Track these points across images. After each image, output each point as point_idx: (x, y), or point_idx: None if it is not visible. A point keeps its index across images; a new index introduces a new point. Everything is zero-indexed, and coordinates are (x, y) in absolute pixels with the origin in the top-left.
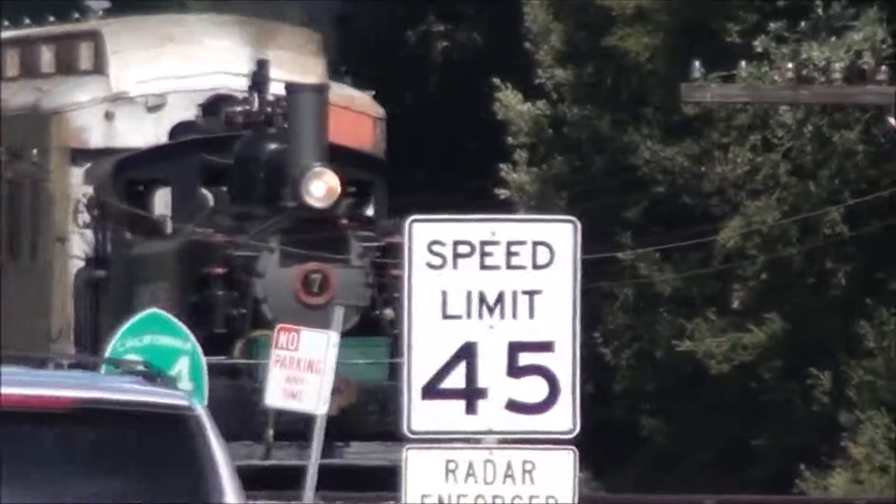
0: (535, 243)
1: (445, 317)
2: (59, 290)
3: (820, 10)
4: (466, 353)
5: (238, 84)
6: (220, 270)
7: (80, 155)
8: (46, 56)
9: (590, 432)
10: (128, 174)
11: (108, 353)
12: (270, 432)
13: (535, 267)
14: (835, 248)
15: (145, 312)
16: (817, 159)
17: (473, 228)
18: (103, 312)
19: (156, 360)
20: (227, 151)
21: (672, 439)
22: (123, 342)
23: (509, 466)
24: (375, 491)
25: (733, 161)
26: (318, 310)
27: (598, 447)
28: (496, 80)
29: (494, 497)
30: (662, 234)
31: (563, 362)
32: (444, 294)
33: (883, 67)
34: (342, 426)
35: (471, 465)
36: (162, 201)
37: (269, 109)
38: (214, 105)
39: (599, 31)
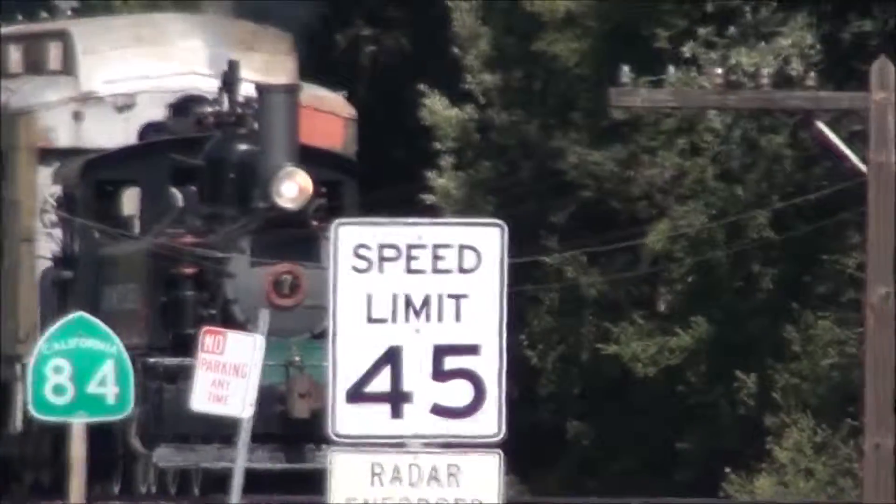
0: (462, 247)
1: (371, 320)
2: (25, 290)
3: (748, 16)
4: (392, 356)
5: (208, 85)
6: (189, 271)
7: (48, 155)
8: (14, 55)
9: (515, 436)
10: (97, 174)
11: (34, 357)
12: None
13: (462, 271)
14: (762, 252)
15: (71, 316)
16: (745, 163)
17: (400, 232)
18: (71, 313)
19: (81, 364)
20: (198, 152)
21: (598, 442)
22: (50, 346)
23: (435, 470)
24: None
25: (661, 165)
26: (289, 311)
27: (523, 451)
28: (423, 86)
29: (420, 500)
30: (589, 237)
31: (489, 366)
32: (370, 297)
33: (811, 73)
34: (313, 429)
35: (396, 469)
36: (131, 202)
37: (239, 110)
38: (184, 105)
39: (528, 35)
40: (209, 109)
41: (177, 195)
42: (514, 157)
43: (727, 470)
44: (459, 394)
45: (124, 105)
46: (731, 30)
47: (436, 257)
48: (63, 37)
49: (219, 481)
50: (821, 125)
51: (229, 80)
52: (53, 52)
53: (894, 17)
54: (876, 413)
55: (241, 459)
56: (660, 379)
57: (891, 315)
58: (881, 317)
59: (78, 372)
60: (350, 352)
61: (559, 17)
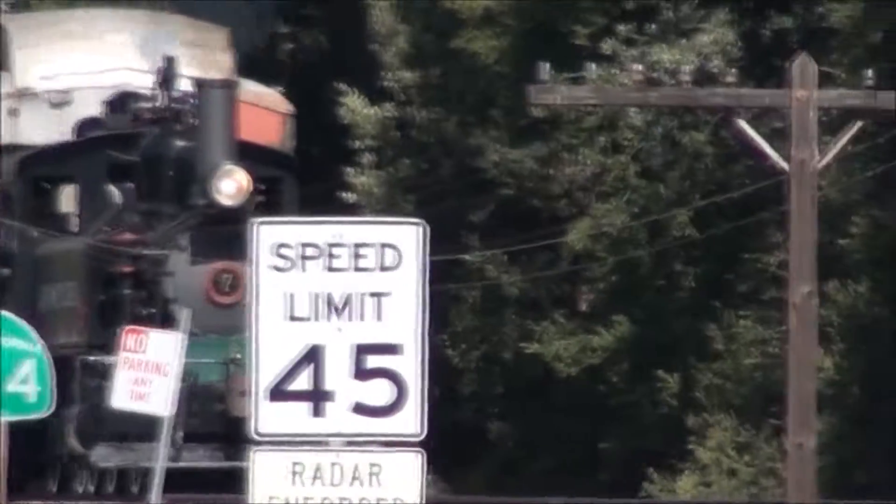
0: (383, 245)
1: (292, 319)
2: None
3: (669, 13)
4: (313, 355)
5: (144, 81)
6: (128, 269)
7: None
8: None
9: (437, 435)
10: (33, 171)
11: None
12: (180, 434)
13: (383, 269)
14: (683, 251)
15: None
16: (666, 161)
17: (320, 231)
18: (8, 311)
19: (2, 363)
20: (135, 148)
21: (520, 442)
22: None
23: (356, 469)
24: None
25: (582, 163)
26: (229, 309)
27: (445, 450)
28: (342, 84)
29: (341, 499)
30: (510, 236)
31: (410, 365)
32: (291, 296)
33: (732, 69)
34: None
35: (318, 468)
36: (68, 199)
37: (176, 106)
38: (121, 101)
39: (446, 33)
40: (146, 105)
41: (114, 192)
42: (433, 155)
43: (649, 470)
44: (381, 393)
45: (60, 101)
46: (651, 27)
47: (356, 256)
48: None
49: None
50: (742, 123)
51: (167, 76)
52: None
53: (814, 15)
54: (798, 413)
55: (161, 458)
56: (582, 378)
57: (813, 314)
58: (803, 316)
59: None
60: (271, 351)
61: (478, 14)
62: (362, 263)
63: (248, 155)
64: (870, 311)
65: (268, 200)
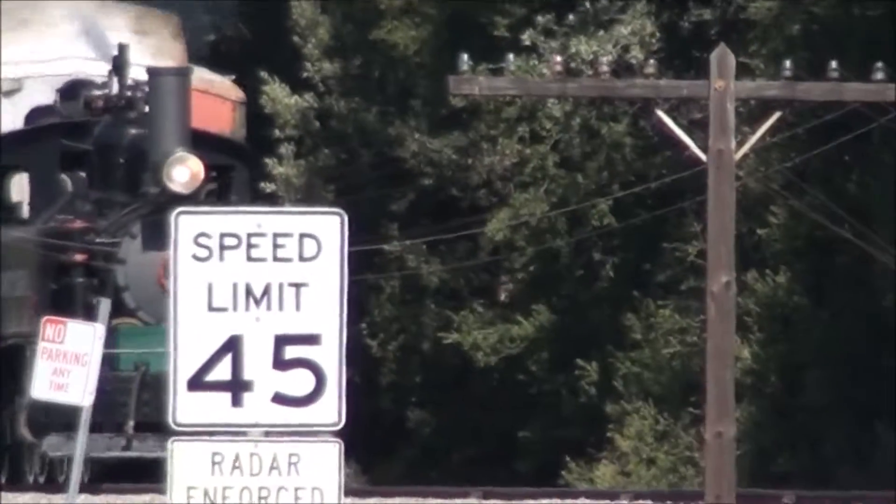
0: (302, 235)
1: (211, 309)
2: None
3: (588, 4)
4: (232, 345)
5: (96, 69)
6: (80, 258)
7: None
8: None
9: (356, 425)
10: None
11: None
12: (131, 423)
13: (302, 259)
14: (602, 241)
15: None
16: (585, 151)
17: (240, 220)
18: None
19: None
20: (87, 137)
21: (439, 432)
22: None
23: (275, 459)
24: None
25: (501, 153)
26: None
27: (364, 440)
28: (263, 73)
29: (260, 489)
30: (429, 226)
31: (330, 355)
32: (210, 286)
33: (651, 61)
34: None
35: (237, 458)
36: (19, 187)
37: (129, 94)
38: (73, 89)
39: (367, 24)
40: (98, 93)
41: (66, 181)
42: (353, 145)
43: (567, 459)
44: (300, 383)
45: (10, 89)
46: (571, 18)
47: (276, 246)
48: None
49: (111, 469)
50: (661, 113)
51: (119, 64)
52: None
53: (732, 6)
54: (717, 402)
55: (80, 447)
56: (501, 368)
57: (731, 304)
58: (721, 306)
59: None
60: (191, 340)
61: (397, 5)
62: (281, 253)
63: (200, 143)
64: (788, 301)
65: (219, 188)
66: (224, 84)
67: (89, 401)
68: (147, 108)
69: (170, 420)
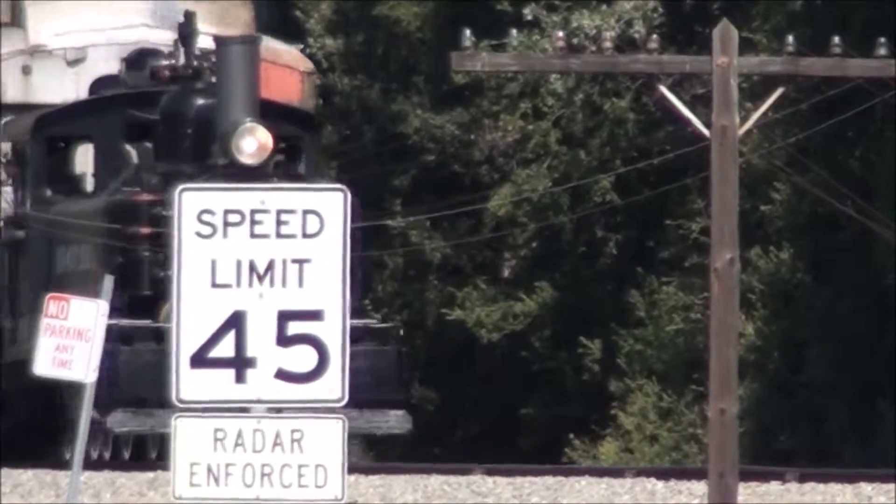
0: (305, 212)
1: (215, 285)
2: None
3: None
4: (236, 321)
5: (161, 37)
6: (146, 231)
7: None
8: None
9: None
10: (48, 130)
11: None
12: None
13: (305, 236)
14: (605, 217)
15: None
16: (588, 127)
17: (243, 197)
18: (23, 275)
19: None
20: (153, 107)
21: (442, 408)
22: None
23: (278, 435)
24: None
25: (504, 129)
26: None
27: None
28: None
29: (263, 465)
30: (432, 202)
31: (333, 331)
32: (214, 263)
33: (654, 36)
34: None
35: (240, 434)
36: (84, 158)
37: (196, 63)
38: (138, 59)
39: (369, 0)
40: (164, 63)
41: (131, 152)
42: (356, 121)
43: (571, 436)
44: (303, 359)
45: (75, 59)
46: None
47: (279, 222)
48: None
49: None
50: (663, 89)
51: (185, 32)
52: (1, 6)
53: None
54: (720, 379)
55: (84, 423)
56: (504, 345)
57: (735, 281)
58: (725, 282)
59: None
60: (194, 317)
61: None
62: (285, 230)
63: (268, 113)
64: (791, 278)
65: (287, 159)
66: (292, 53)
67: (92, 377)
68: (215, 78)
69: (172, 397)
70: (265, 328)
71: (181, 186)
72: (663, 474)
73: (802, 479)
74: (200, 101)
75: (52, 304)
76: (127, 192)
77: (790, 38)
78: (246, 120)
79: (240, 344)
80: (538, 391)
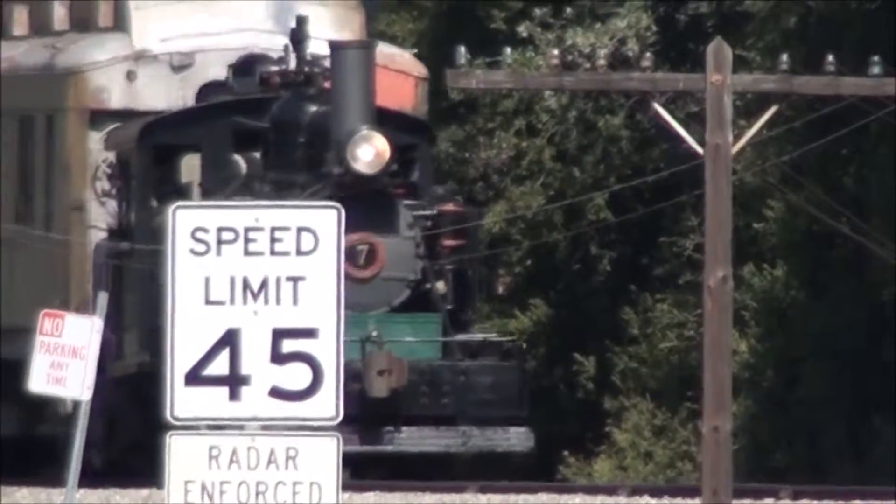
0: (300, 229)
1: (208, 303)
2: (76, 261)
3: None
4: (230, 339)
5: (271, 42)
6: None
7: (99, 117)
8: (60, 12)
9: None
10: (154, 139)
11: None
12: None
13: (299, 253)
14: (599, 234)
15: None
16: (582, 145)
17: (237, 215)
18: (127, 287)
19: None
20: (262, 114)
21: None
22: None
23: (272, 453)
24: (425, 480)
25: (498, 146)
26: (366, 283)
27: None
28: None
29: (258, 483)
30: None
31: (327, 349)
32: (208, 280)
33: (648, 54)
34: (392, 409)
35: (234, 452)
36: (191, 168)
37: (308, 69)
38: (247, 64)
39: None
40: (274, 68)
41: (240, 161)
42: None
43: (565, 453)
44: (297, 377)
45: (181, 64)
46: (568, 11)
47: (273, 240)
48: None
49: None
50: (657, 106)
51: (297, 37)
52: (104, 8)
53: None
54: (714, 396)
55: (78, 443)
56: None
57: (728, 298)
58: (719, 300)
59: None
60: (188, 335)
61: None
62: (279, 247)
63: (384, 120)
64: (785, 295)
65: (402, 169)
66: (405, 58)
67: (88, 395)
68: (328, 84)
69: (167, 414)
70: (259, 346)
71: (175, 205)
72: (657, 492)
73: (796, 496)
74: (313, 108)
75: (47, 321)
76: (237, 202)
77: (784, 57)
78: (362, 127)
79: (234, 361)
80: (532, 408)
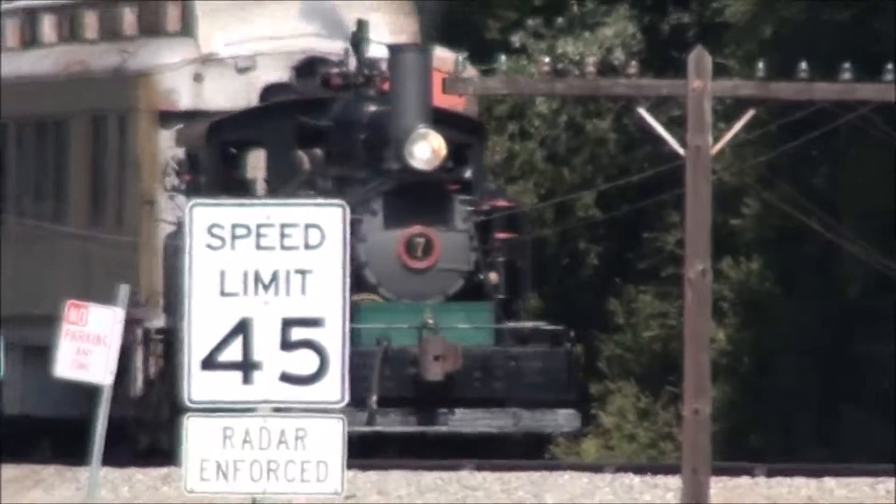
0: (307, 226)
1: (223, 294)
2: (146, 254)
3: (574, 8)
4: (243, 327)
5: (329, 46)
6: None
7: (168, 117)
8: (129, 17)
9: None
10: (221, 136)
11: None
12: (374, 399)
13: (307, 248)
14: (588, 230)
15: None
16: (571, 147)
17: (250, 212)
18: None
19: None
20: (323, 114)
21: None
22: None
23: (283, 433)
24: (478, 458)
25: (492, 149)
26: (423, 274)
27: None
28: None
29: (269, 462)
30: None
31: (333, 337)
32: (223, 273)
33: (633, 62)
34: (447, 392)
35: (247, 432)
36: (256, 164)
37: (367, 70)
38: (308, 66)
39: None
40: (335, 70)
41: (303, 157)
42: None
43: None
44: (305, 363)
45: (244, 67)
46: (559, 21)
47: (283, 235)
48: None
49: (352, 443)
50: (642, 111)
51: (357, 40)
52: (172, 14)
53: (709, 10)
54: (694, 381)
55: (101, 425)
56: None
57: (708, 290)
58: (698, 291)
59: None
60: (204, 323)
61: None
62: (288, 242)
63: (439, 120)
64: (760, 288)
65: (456, 165)
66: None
67: (109, 380)
68: (386, 86)
69: (184, 397)
70: (270, 334)
71: (192, 202)
72: (640, 470)
73: (770, 474)
74: (373, 108)
75: (73, 311)
76: (301, 196)
77: (760, 64)
78: (419, 126)
79: (247, 348)
80: None
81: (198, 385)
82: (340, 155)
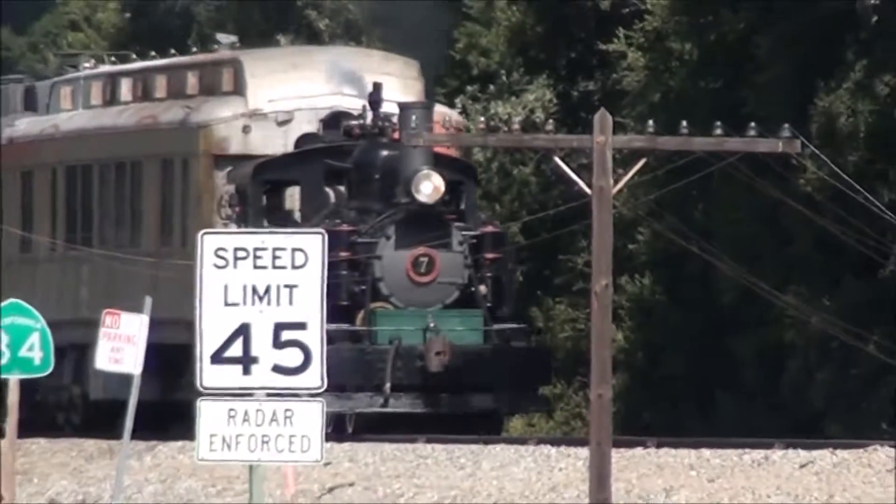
0: (294, 249)
1: (227, 304)
2: None
3: (504, 77)
4: (243, 330)
5: (352, 103)
6: (344, 254)
7: (222, 160)
8: (191, 80)
9: None
10: (264, 175)
11: None
12: (388, 386)
13: (294, 267)
14: (515, 254)
15: (7, 301)
16: (501, 187)
17: (248, 239)
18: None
19: (15, 336)
20: (346, 157)
21: None
22: None
23: (274, 413)
24: (476, 434)
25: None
26: (426, 286)
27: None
28: None
29: (263, 436)
30: None
31: (314, 337)
32: (226, 287)
33: (550, 120)
34: (446, 381)
35: (246, 413)
36: (292, 198)
37: (381, 123)
38: (334, 120)
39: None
40: (355, 123)
41: (330, 193)
42: None
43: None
44: (293, 357)
45: (284, 120)
46: (491, 88)
47: (275, 257)
48: (235, 64)
49: (371, 422)
50: (557, 160)
51: (373, 99)
52: (226, 77)
53: (611, 80)
54: (598, 371)
55: (131, 406)
56: None
57: (609, 300)
58: (602, 301)
59: (12, 341)
60: (212, 327)
61: None
62: (279, 262)
63: (439, 163)
64: (651, 298)
65: (452, 199)
66: (454, 116)
67: (138, 370)
68: (396, 135)
69: (197, 385)
70: (265, 335)
71: (203, 231)
72: (556, 442)
73: (659, 445)
74: (385, 153)
75: (108, 318)
76: (329, 223)
77: (650, 122)
78: (423, 167)
79: (246, 347)
80: None
81: (208, 375)
82: (360, 190)
